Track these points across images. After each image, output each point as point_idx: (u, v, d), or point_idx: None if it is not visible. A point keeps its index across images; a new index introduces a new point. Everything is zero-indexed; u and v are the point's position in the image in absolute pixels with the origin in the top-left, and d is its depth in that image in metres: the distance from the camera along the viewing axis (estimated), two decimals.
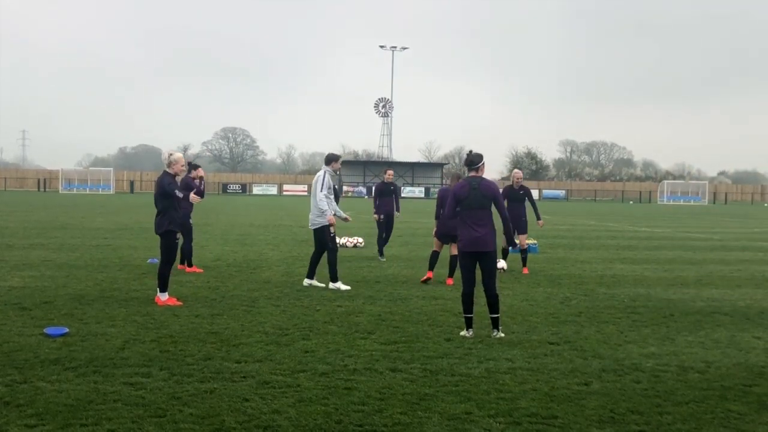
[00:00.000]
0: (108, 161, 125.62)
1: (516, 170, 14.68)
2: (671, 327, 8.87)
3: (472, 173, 8.20)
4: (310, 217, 11.38)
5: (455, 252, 11.63)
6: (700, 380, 6.48)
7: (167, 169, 9.71)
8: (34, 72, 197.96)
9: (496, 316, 8.07)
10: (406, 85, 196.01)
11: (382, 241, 15.85)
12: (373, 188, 16.58)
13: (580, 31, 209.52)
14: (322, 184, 11.23)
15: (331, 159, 11.59)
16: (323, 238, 11.26)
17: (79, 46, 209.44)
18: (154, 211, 9.72)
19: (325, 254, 11.33)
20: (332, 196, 11.46)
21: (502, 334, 8.02)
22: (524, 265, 14.15)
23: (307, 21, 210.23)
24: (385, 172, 15.97)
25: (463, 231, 8.10)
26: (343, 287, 11.16)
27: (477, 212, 8.01)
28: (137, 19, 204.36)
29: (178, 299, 9.74)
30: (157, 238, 9.74)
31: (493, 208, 8.17)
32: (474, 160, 8.18)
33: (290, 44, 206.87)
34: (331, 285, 11.22)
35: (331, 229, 11.21)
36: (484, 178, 8.18)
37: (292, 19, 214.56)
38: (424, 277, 12.23)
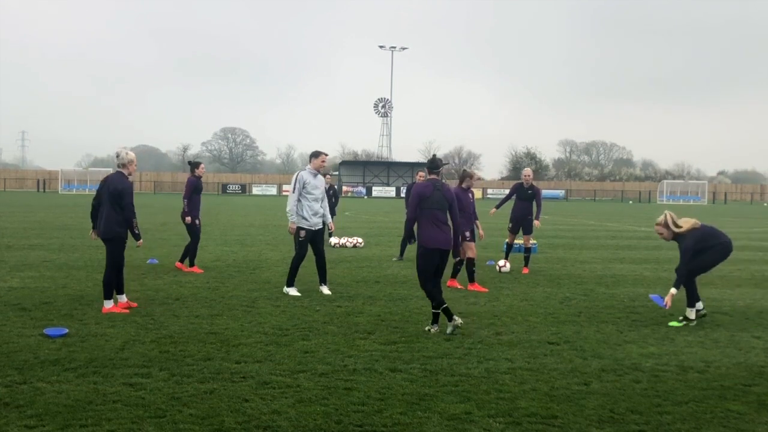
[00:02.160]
0: (107, 162, 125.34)
1: (526, 168, 14.52)
2: (671, 327, 8.87)
3: (433, 176, 8.53)
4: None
5: (471, 255, 11.55)
6: (700, 380, 6.48)
7: (121, 170, 9.12)
8: (34, 72, 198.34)
9: (437, 311, 8.24)
10: (406, 85, 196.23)
11: (405, 244, 15.81)
12: (406, 189, 16.66)
13: (580, 30, 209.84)
14: (294, 186, 10.70)
15: (311, 156, 10.87)
16: (313, 240, 10.81)
17: (79, 46, 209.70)
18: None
19: (322, 257, 10.93)
20: (317, 198, 10.69)
21: (438, 329, 8.17)
22: (526, 264, 14.15)
23: (307, 21, 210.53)
24: (418, 174, 16.01)
25: (429, 229, 8.27)
26: (293, 293, 10.64)
27: (440, 213, 8.33)
28: (137, 20, 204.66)
29: (126, 307, 9.20)
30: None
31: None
32: (438, 164, 8.56)
33: (290, 44, 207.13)
34: (285, 288, 10.82)
35: (301, 233, 10.70)
36: (444, 182, 8.55)
37: (291, 19, 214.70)
38: (475, 289, 11.55)
